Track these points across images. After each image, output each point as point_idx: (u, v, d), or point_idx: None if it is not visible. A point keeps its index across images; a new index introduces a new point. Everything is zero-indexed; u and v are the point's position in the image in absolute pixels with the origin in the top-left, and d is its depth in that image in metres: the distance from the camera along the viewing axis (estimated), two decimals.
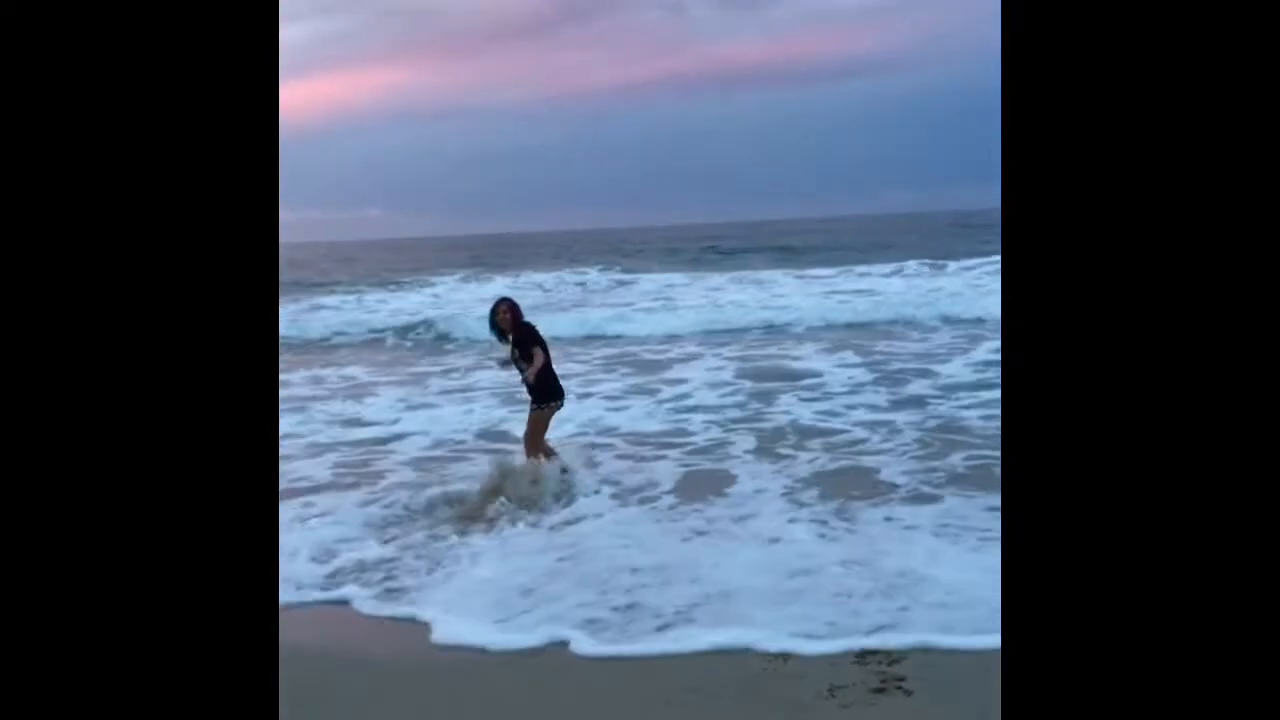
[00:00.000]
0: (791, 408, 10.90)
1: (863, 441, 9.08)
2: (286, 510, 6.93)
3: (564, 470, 7.86)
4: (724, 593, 5.29)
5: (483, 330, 19.20)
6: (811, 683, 4.25)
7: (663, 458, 8.79)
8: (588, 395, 11.98)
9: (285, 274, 43.78)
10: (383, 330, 21.87)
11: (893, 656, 4.43)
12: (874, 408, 10.76)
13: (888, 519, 6.60)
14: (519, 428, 10.18)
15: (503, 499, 7.20)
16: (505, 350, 8.09)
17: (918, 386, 11.96)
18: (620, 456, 8.89)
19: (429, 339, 20.18)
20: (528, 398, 7.85)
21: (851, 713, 4.04)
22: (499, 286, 33.52)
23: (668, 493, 7.53)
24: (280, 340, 18.04)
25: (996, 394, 10.95)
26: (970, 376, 12.54)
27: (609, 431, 9.96)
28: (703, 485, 7.73)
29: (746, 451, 8.90)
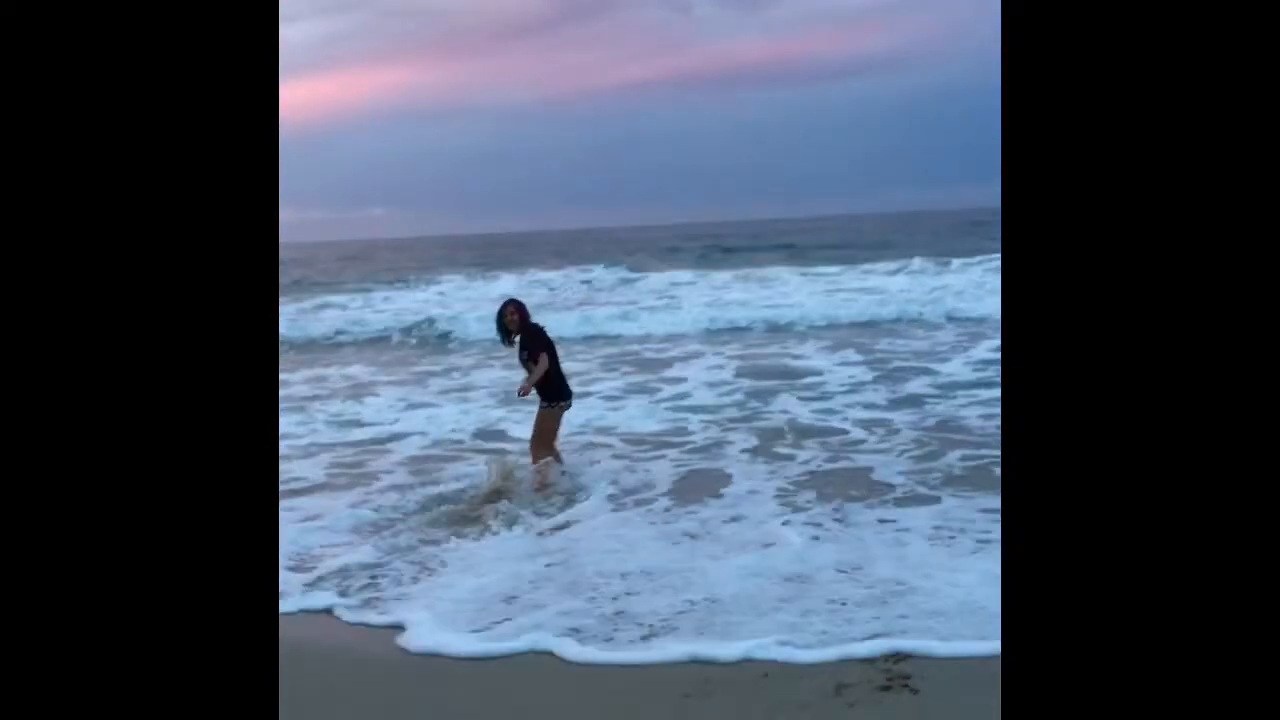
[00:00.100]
0: (790, 407, 10.88)
1: (860, 441, 9.05)
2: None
3: (564, 473, 7.87)
4: (711, 600, 5.20)
5: (485, 329, 19.32)
6: (816, 681, 4.22)
7: (660, 458, 8.76)
8: (587, 394, 11.96)
9: (290, 273, 44.05)
10: (386, 329, 21.86)
11: (899, 655, 4.38)
12: (872, 406, 10.74)
13: (882, 520, 6.56)
14: (515, 427, 10.22)
15: (505, 501, 7.19)
16: (509, 351, 8.11)
17: (917, 385, 11.94)
18: (617, 456, 8.87)
19: (432, 338, 20.16)
20: (534, 397, 7.82)
21: (857, 711, 4.02)
22: (504, 285, 33.49)
23: (662, 494, 7.49)
24: (283, 340, 18.14)
25: (994, 392, 10.94)
26: (970, 375, 12.53)
27: (607, 431, 9.95)
28: (698, 486, 7.69)
29: (743, 451, 8.88)
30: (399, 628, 5.08)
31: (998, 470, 7.64)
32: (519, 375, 8.09)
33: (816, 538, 6.22)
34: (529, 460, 7.89)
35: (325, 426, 10.91)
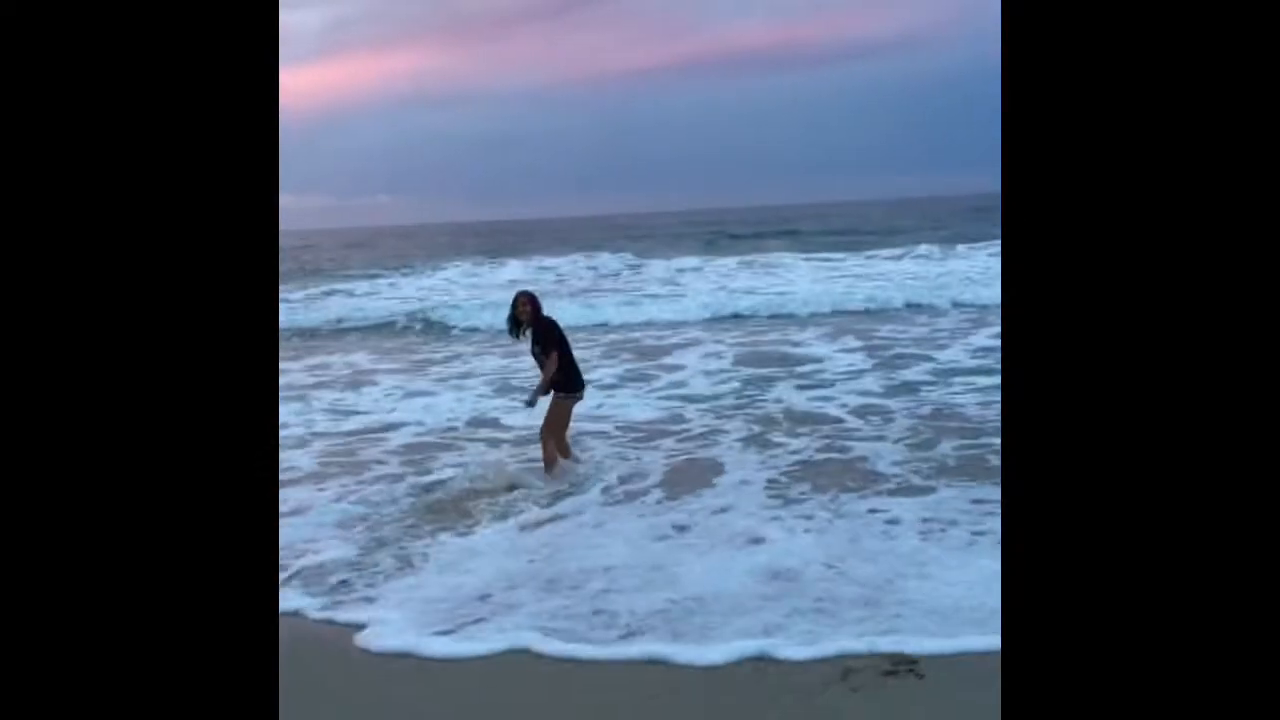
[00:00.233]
0: (787, 394, 10.83)
1: (854, 430, 9.00)
2: None
3: (578, 461, 7.90)
4: (695, 597, 5.10)
5: (488, 317, 19.29)
6: (821, 667, 4.19)
7: (654, 447, 8.72)
8: (586, 382, 11.93)
9: (295, 260, 44.09)
10: (391, 316, 21.83)
11: (882, 654, 4.32)
12: (869, 394, 10.70)
13: (872, 511, 6.50)
14: (508, 417, 10.20)
15: (513, 491, 7.21)
16: (512, 340, 8.10)
17: (915, 372, 11.90)
18: (611, 445, 8.83)
19: (436, 325, 20.11)
20: (528, 387, 7.82)
21: (863, 696, 3.99)
22: (510, 272, 33.49)
23: (653, 485, 7.43)
24: (288, 327, 18.15)
25: (991, 380, 10.89)
26: (968, 362, 12.48)
27: (603, 419, 9.90)
28: (689, 477, 7.64)
29: (738, 439, 8.83)
30: (365, 626, 4.97)
31: (991, 459, 7.60)
32: (519, 363, 8.06)
33: (807, 530, 6.14)
34: (527, 453, 7.85)
35: (321, 415, 10.89)
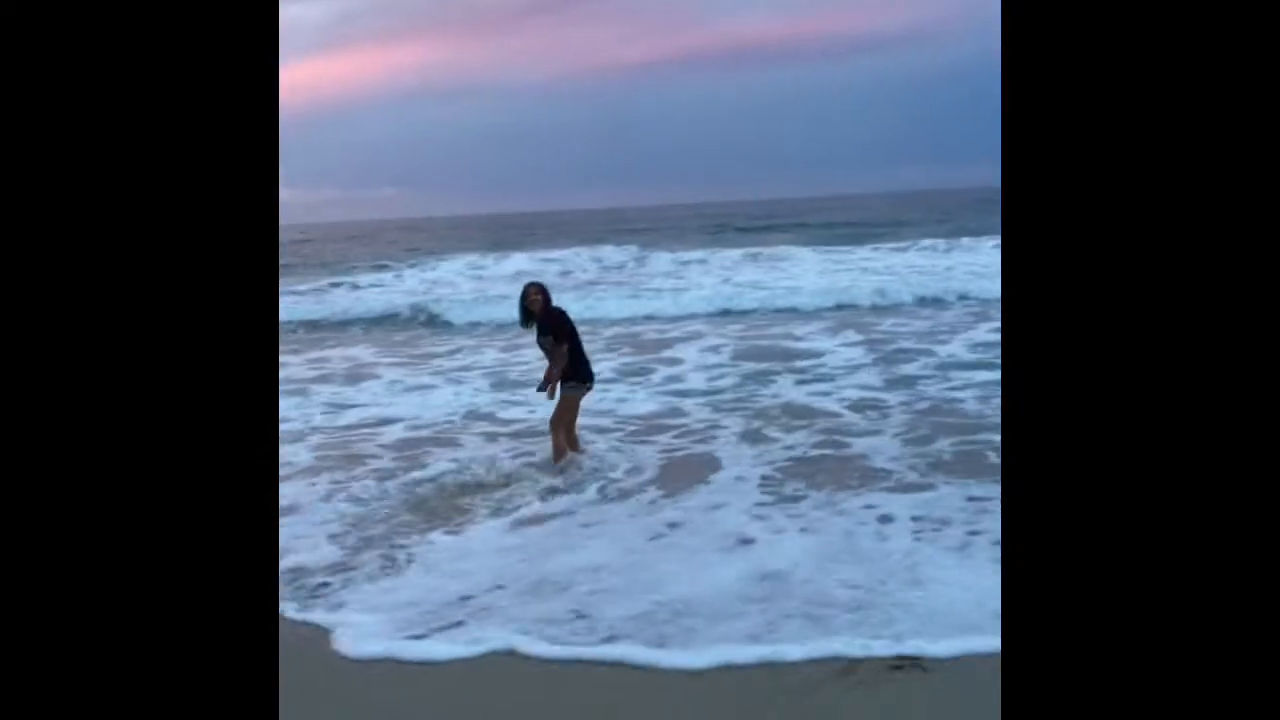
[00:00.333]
0: (786, 389, 10.79)
1: (851, 425, 8.94)
2: None
3: (584, 453, 7.90)
4: (681, 600, 4.99)
5: (491, 311, 19.23)
6: (825, 662, 4.16)
7: (650, 442, 8.66)
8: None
9: (300, 253, 44.08)
10: (394, 309, 21.78)
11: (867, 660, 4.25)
12: (868, 388, 10.65)
13: (866, 507, 6.43)
14: (504, 410, 10.17)
15: (507, 487, 7.21)
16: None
17: (915, 367, 11.85)
18: (608, 440, 8.77)
19: (439, 318, 20.05)
20: (531, 380, 7.80)
21: (867, 690, 3.96)
22: (514, 265, 33.47)
23: (648, 482, 7.34)
24: (292, 320, 18.10)
25: (989, 375, 10.83)
26: (967, 356, 12.44)
27: (602, 413, 9.84)
28: (684, 473, 7.57)
29: (734, 434, 8.78)
30: (344, 628, 4.84)
31: (987, 455, 7.54)
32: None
33: (804, 530, 6.04)
34: (522, 447, 7.83)
35: (319, 409, 10.86)
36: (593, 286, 25.20)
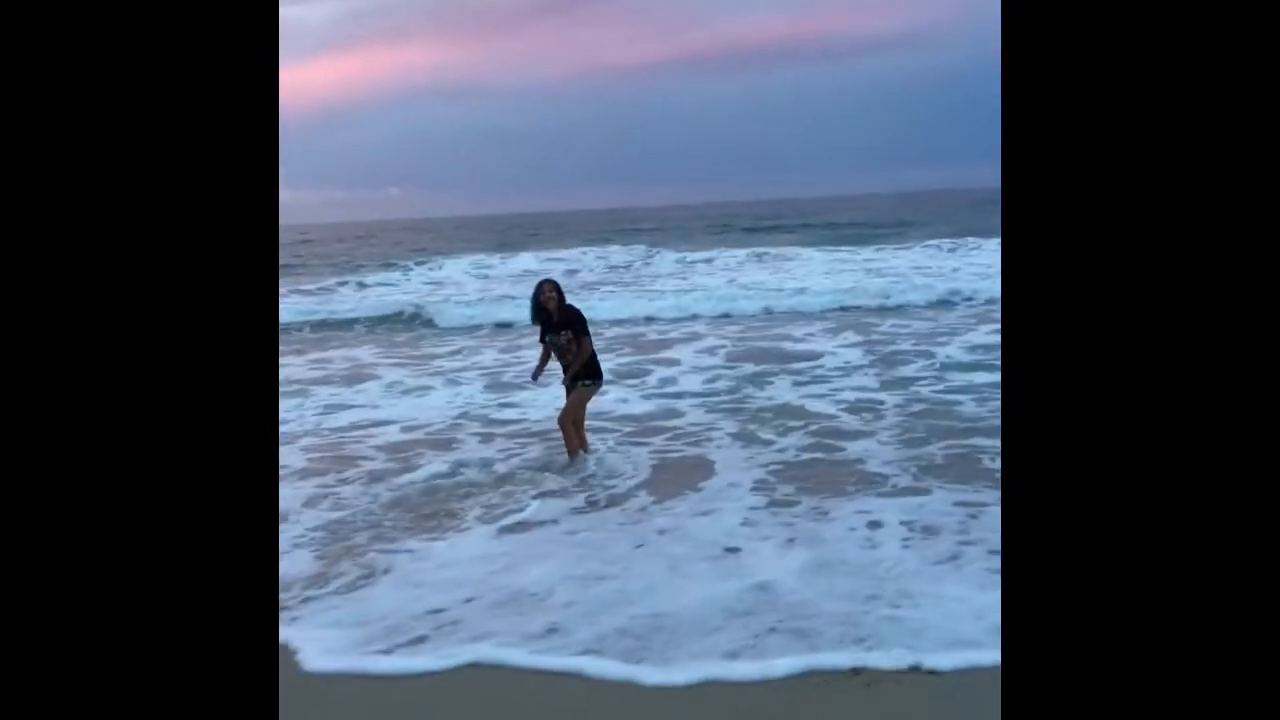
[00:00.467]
0: (783, 392, 10.74)
1: (846, 429, 8.89)
2: None
3: (593, 451, 7.98)
4: (662, 613, 4.87)
5: (494, 311, 19.20)
6: (807, 677, 4.14)
7: (645, 444, 8.62)
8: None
9: (303, 253, 44.09)
10: (398, 309, 21.76)
11: (860, 670, 4.20)
12: (865, 390, 10.63)
13: (858, 512, 6.37)
14: (499, 412, 10.15)
15: (500, 488, 7.22)
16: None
17: (913, 369, 11.82)
18: (604, 440, 8.73)
19: (442, 319, 20.01)
20: (549, 376, 7.81)
21: (875, 690, 3.94)
22: (521, 264, 33.52)
23: (638, 485, 7.28)
24: (295, 320, 18.05)
25: (987, 377, 10.78)
26: (965, 358, 12.41)
27: (597, 415, 9.79)
28: (675, 477, 7.51)
29: (729, 436, 8.74)
30: (310, 645, 4.67)
31: (980, 459, 7.48)
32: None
33: (792, 540, 5.89)
34: (514, 448, 7.81)
35: (315, 411, 10.84)
36: (600, 286, 25.20)
